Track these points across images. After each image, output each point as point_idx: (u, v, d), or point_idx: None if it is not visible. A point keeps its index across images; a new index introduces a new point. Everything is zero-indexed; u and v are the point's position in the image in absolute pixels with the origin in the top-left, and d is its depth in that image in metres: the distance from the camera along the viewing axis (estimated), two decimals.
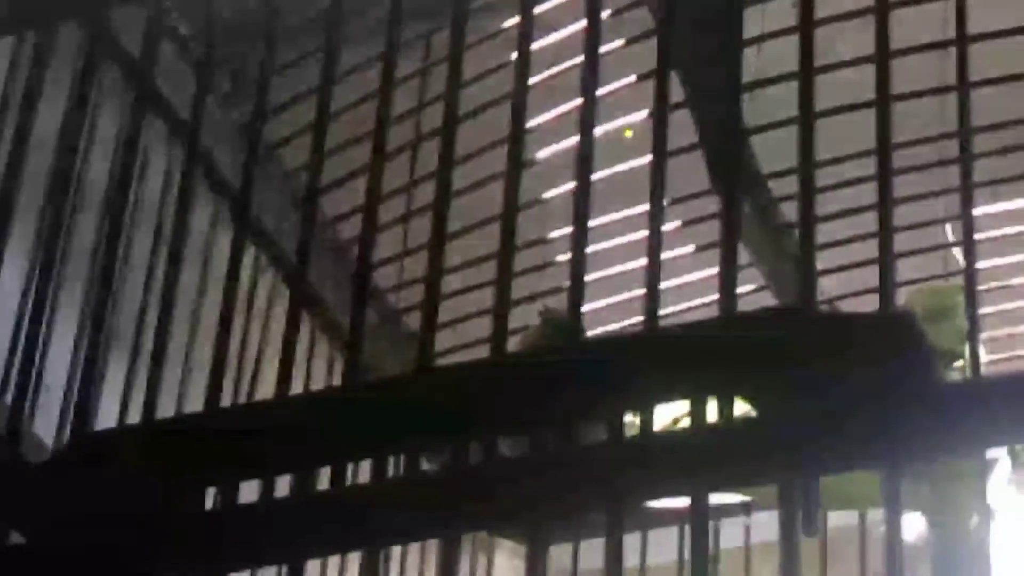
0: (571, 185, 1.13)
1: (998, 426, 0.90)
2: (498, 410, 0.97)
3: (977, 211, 1.10)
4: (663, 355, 0.97)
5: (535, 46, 1.21)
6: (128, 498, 1.01)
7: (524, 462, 1.01)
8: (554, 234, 2.29)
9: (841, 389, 0.91)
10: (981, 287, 1.04)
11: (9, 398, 1.48)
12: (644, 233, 1.08)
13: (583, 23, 1.25)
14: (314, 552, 1.03)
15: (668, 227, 1.07)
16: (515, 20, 1.52)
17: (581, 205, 1.06)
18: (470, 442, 0.99)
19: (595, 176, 1.11)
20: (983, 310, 0.96)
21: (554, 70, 2.14)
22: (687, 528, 2.09)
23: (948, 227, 2.03)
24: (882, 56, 1.08)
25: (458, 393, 0.99)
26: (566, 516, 1.07)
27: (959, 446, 0.99)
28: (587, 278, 1.05)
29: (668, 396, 0.99)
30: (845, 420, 0.90)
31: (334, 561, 2.04)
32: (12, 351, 1.51)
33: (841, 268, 2.29)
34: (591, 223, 1.07)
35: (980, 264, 1.06)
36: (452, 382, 1.01)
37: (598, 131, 1.15)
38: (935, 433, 0.90)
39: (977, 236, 1.09)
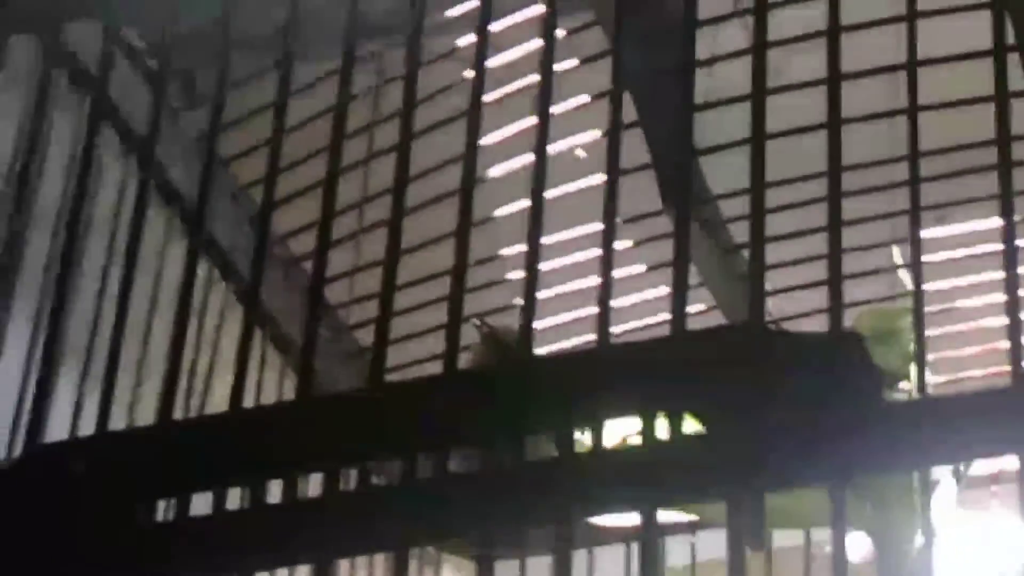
0: (524, 203, 1.15)
1: (942, 446, 0.92)
2: (448, 425, 0.98)
3: (925, 234, 1.11)
4: (613, 372, 0.98)
5: (488, 63, 1.23)
6: (80, 510, 1.03)
7: (473, 478, 1.02)
8: (506, 251, 2.30)
9: (788, 407, 0.92)
10: (928, 309, 1.05)
11: None
12: (596, 252, 1.09)
13: (537, 42, 1.27)
14: (265, 563, 1.03)
15: (620, 246, 1.08)
16: (470, 39, 1.52)
17: (534, 224, 1.08)
18: (419, 456, 1.01)
19: (548, 194, 1.13)
20: (930, 332, 0.97)
21: (507, 89, 2.16)
22: (634, 546, 2.10)
23: (896, 249, 2.06)
24: (833, 80, 1.10)
25: (409, 407, 1.00)
26: (515, 532, 1.07)
27: (903, 465, 1.00)
28: (539, 295, 1.06)
29: (618, 412, 0.99)
30: (791, 438, 0.91)
31: (283, 574, 2.07)
32: None
33: (790, 288, 2.31)
34: (544, 240, 1.09)
35: (927, 286, 1.07)
36: (404, 396, 1.03)
37: (551, 149, 1.17)
38: (880, 452, 0.91)
39: (924, 259, 1.10)
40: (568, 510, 0.97)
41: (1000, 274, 1.01)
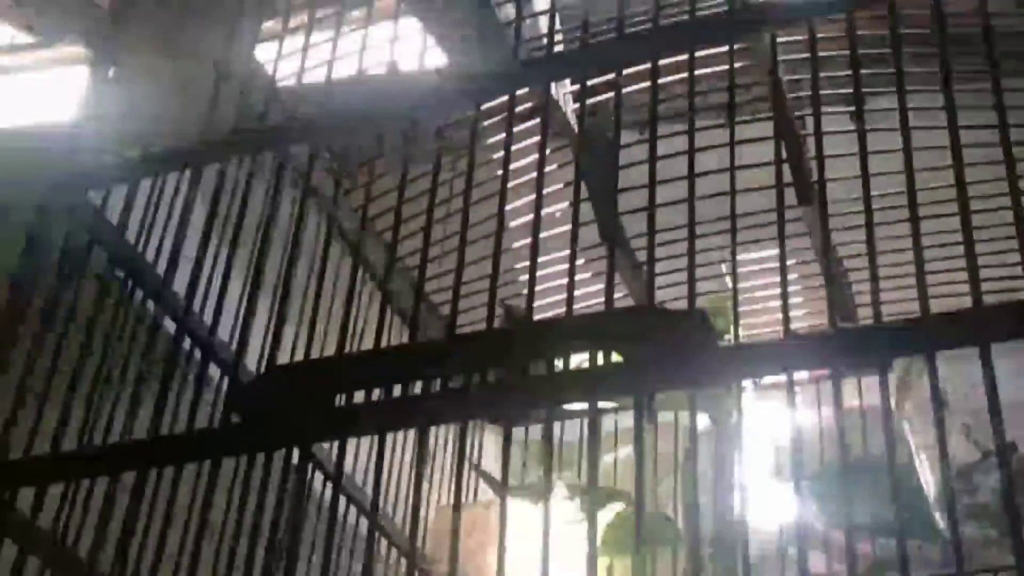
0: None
1: (747, 368, 0.99)
2: (493, 355, 1.04)
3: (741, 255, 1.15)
4: (577, 329, 1.05)
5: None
6: (298, 402, 1.08)
7: (498, 383, 1.05)
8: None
9: (665, 348, 0.99)
10: (741, 299, 1.09)
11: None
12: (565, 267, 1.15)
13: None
14: (397, 425, 1.07)
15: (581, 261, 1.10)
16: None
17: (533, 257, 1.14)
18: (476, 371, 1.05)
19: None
20: (741, 309, 1.01)
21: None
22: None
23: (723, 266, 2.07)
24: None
25: (473, 345, 1.07)
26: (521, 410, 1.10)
27: (727, 378, 1.03)
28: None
29: (579, 350, 1.02)
30: (667, 363, 0.97)
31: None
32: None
33: (668, 284, 2.35)
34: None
35: (740, 286, 1.12)
36: (471, 340, 1.08)
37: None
38: (714, 371, 0.97)
39: (740, 269, 1.13)
40: (552, 398, 1.03)
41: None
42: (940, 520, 1.18)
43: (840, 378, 0.93)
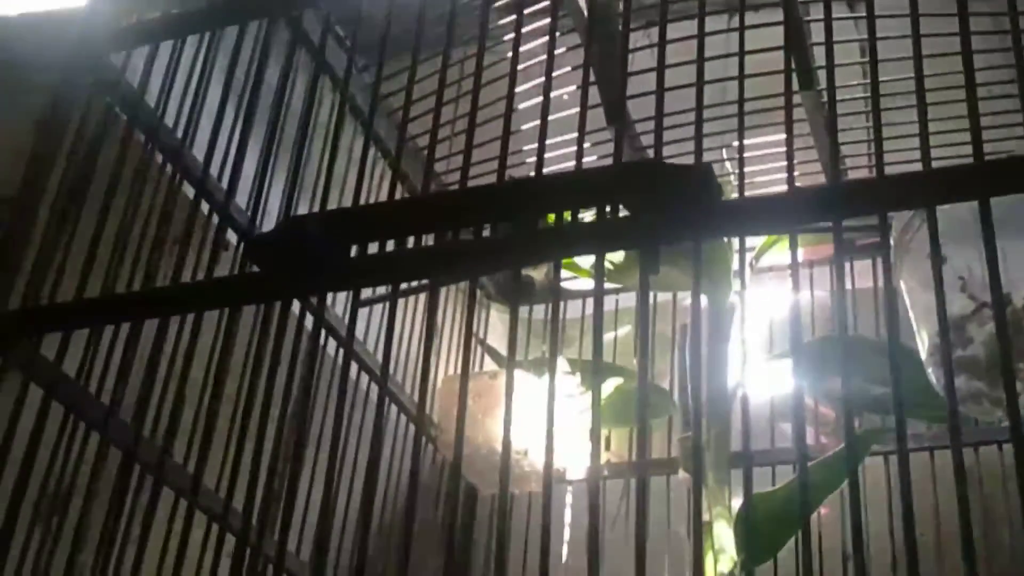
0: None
1: (751, 221, 0.98)
2: (492, 210, 1.03)
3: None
4: (585, 183, 1.04)
5: None
6: (310, 250, 1.07)
7: (509, 236, 1.04)
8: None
9: (671, 202, 0.98)
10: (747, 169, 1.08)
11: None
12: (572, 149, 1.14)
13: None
14: (410, 275, 1.06)
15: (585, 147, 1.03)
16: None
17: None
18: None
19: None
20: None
21: None
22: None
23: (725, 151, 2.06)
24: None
25: (476, 199, 1.05)
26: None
27: (730, 231, 1.01)
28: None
29: (586, 204, 1.01)
30: (676, 215, 0.97)
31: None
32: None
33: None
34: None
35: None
36: (474, 194, 1.07)
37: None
38: (718, 223, 0.97)
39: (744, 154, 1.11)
40: (561, 250, 1.02)
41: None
42: (932, 376, 1.19)
43: (840, 232, 0.93)
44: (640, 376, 1.01)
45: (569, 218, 1.02)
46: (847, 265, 2.01)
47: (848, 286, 1.99)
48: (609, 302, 2.12)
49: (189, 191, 1.46)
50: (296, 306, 1.10)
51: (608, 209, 0.99)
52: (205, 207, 1.55)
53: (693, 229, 0.96)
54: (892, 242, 1.20)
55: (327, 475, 1.02)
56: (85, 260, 1.23)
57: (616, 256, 1.97)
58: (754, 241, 1.93)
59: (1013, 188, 0.89)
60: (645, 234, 0.97)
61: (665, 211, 0.96)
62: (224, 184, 1.32)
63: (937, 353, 1.16)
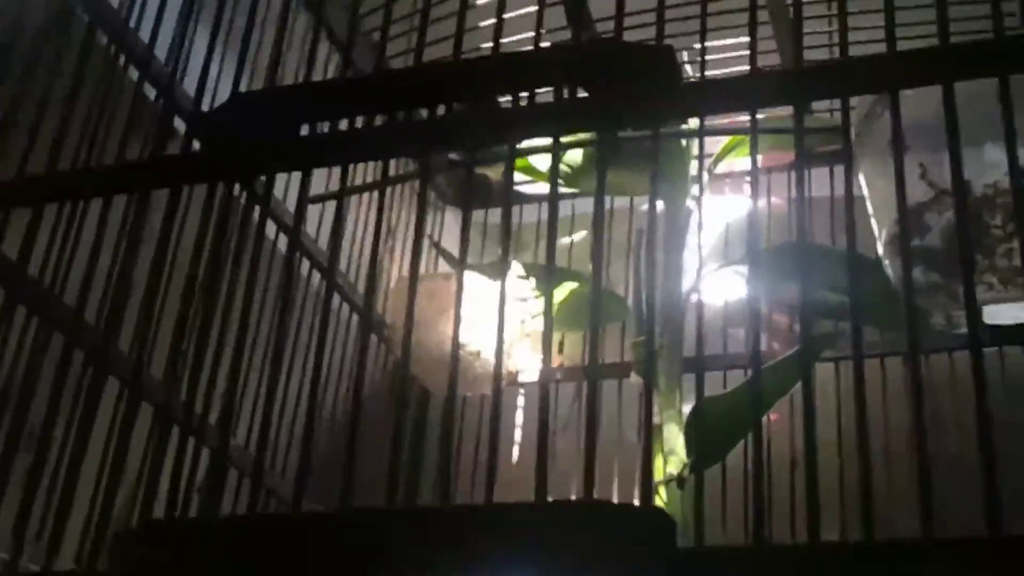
0: None
1: (712, 101, 0.94)
2: (458, 85, 0.99)
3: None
4: (544, 63, 1.00)
5: None
6: (259, 128, 1.04)
7: (464, 114, 1.01)
8: None
9: (631, 83, 0.95)
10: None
11: None
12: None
13: None
14: (361, 155, 1.02)
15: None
16: None
17: None
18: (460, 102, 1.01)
19: None
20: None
21: None
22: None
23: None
24: None
25: (439, 76, 1.02)
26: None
27: (691, 111, 0.97)
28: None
29: (545, 83, 0.97)
30: (633, 98, 0.93)
31: None
32: None
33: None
34: None
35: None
36: (436, 69, 1.03)
37: None
38: (681, 105, 0.94)
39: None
40: (518, 131, 0.98)
41: None
42: (889, 269, 1.18)
43: (802, 115, 0.91)
44: (595, 266, 0.98)
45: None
46: (807, 174, 2.00)
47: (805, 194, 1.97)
48: (565, 207, 2.09)
49: (134, 75, 1.42)
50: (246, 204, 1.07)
51: (566, 92, 0.97)
52: (152, 95, 1.51)
53: (653, 110, 0.93)
54: (853, 132, 1.18)
55: (272, 367, 1.00)
56: (28, 139, 1.18)
57: (573, 158, 1.95)
58: (711, 149, 1.91)
59: (979, 73, 0.87)
60: (604, 114, 0.94)
61: (624, 92, 0.93)
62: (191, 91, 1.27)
63: (895, 243, 1.15)
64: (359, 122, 1.07)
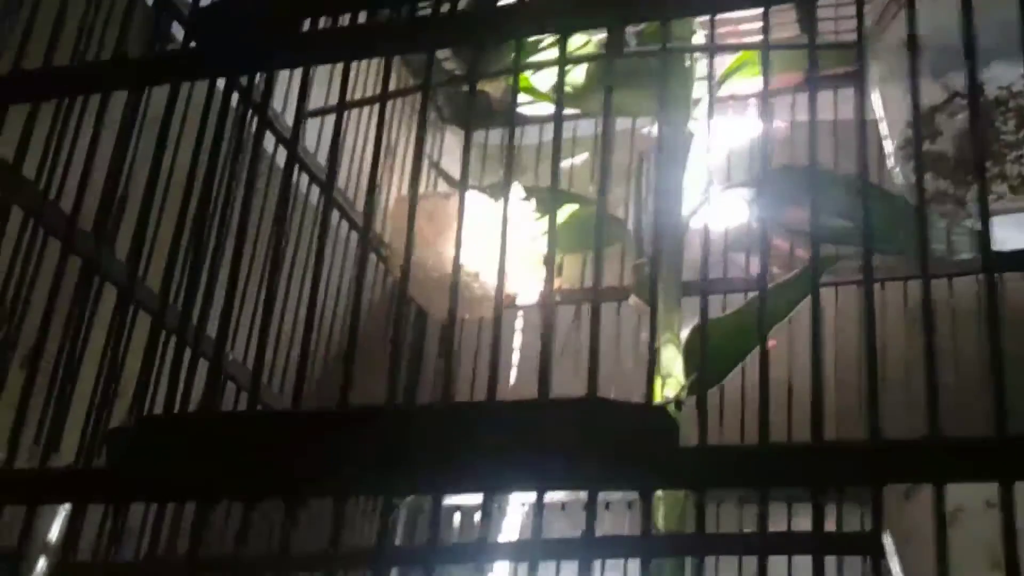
0: None
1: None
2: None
3: None
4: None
5: None
6: (257, 24, 1.01)
7: (469, 12, 0.98)
8: None
9: None
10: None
11: None
12: None
13: None
14: (363, 52, 1.00)
15: None
16: None
17: None
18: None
19: None
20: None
21: None
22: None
23: None
24: None
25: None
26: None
27: (700, 8, 0.94)
28: None
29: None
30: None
31: None
32: None
33: None
34: None
35: None
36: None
37: None
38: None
39: None
40: (524, 27, 0.96)
41: None
42: (899, 174, 1.15)
43: (814, 11, 0.88)
44: (601, 187, 0.96)
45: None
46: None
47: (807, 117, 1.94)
48: (567, 129, 2.07)
49: None
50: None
51: None
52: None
53: (664, 2, 0.90)
54: (866, 35, 1.15)
55: (268, 282, 0.98)
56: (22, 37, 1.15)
57: (574, 79, 1.92)
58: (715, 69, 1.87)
59: None
60: (613, 7, 0.91)
61: None
62: None
63: (908, 147, 1.12)
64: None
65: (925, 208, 0.73)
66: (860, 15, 0.87)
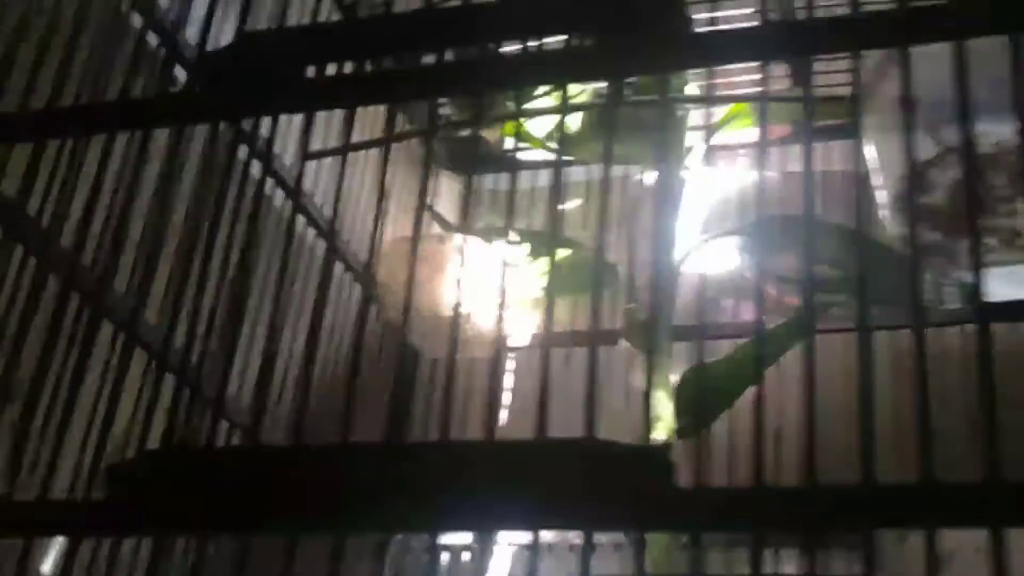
0: None
1: (720, 51, 0.93)
2: (466, 30, 0.98)
3: None
4: (552, 10, 0.99)
5: None
6: (263, 69, 1.02)
7: (473, 60, 1.00)
8: None
9: (640, 31, 0.94)
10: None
11: None
12: None
13: None
14: (369, 99, 1.01)
15: None
16: None
17: None
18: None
19: None
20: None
21: None
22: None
23: None
24: None
25: (448, 20, 1.01)
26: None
27: (699, 62, 0.95)
28: None
29: (552, 32, 0.96)
30: (641, 45, 0.93)
31: None
32: None
33: None
34: None
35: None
36: (444, 15, 1.02)
37: None
38: (688, 55, 0.94)
39: None
40: (527, 77, 0.98)
41: None
42: (893, 225, 1.17)
43: (809, 65, 0.90)
44: (599, 232, 0.97)
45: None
46: (799, 147, 1.99)
47: (800, 168, 1.96)
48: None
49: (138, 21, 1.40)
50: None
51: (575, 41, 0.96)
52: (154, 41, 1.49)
53: (661, 57, 0.92)
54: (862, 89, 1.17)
55: (270, 323, 0.99)
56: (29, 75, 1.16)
57: (570, 124, 1.94)
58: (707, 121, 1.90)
59: (989, 30, 0.87)
60: (613, 64, 0.93)
61: (633, 39, 0.93)
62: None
63: (901, 200, 1.14)
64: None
65: (919, 259, 0.74)
66: (856, 71, 0.89)
